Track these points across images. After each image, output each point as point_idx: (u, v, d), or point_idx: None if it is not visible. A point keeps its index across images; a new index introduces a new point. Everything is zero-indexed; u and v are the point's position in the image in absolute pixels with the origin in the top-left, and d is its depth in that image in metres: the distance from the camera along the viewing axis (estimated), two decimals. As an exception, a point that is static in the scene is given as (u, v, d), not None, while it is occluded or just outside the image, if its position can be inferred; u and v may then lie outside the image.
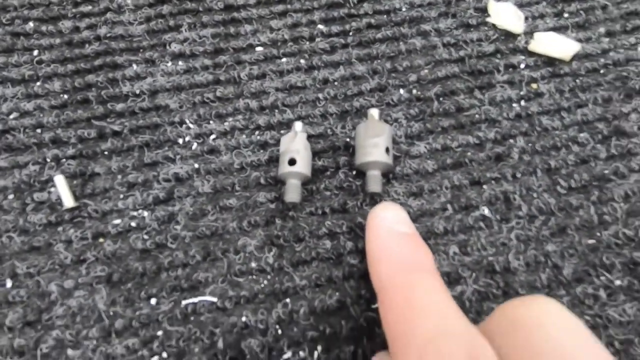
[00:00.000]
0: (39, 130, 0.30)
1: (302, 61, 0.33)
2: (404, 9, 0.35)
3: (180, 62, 0.33)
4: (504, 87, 0.32)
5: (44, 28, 0.34)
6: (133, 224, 0.27)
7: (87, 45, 0.33)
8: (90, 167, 0.29)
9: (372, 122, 0.28)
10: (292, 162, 0.26)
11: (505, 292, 0.25)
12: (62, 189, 0.27)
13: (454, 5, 0.36)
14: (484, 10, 0.35)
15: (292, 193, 0.26)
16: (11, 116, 0.30)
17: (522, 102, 0.32)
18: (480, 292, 0.25)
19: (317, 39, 0.34)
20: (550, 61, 0.33)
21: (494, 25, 0.35)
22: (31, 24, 0.34)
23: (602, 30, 0.35)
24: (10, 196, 0.28)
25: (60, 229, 0.27)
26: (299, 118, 0.31)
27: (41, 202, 0.27)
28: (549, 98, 0.32)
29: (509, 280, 0.26)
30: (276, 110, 0.31)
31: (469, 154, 0.30)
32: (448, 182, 0.28)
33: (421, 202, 0.28)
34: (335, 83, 0.32)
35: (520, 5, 0.36)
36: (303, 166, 0.26)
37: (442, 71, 0.32)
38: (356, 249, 0.26)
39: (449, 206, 0.28)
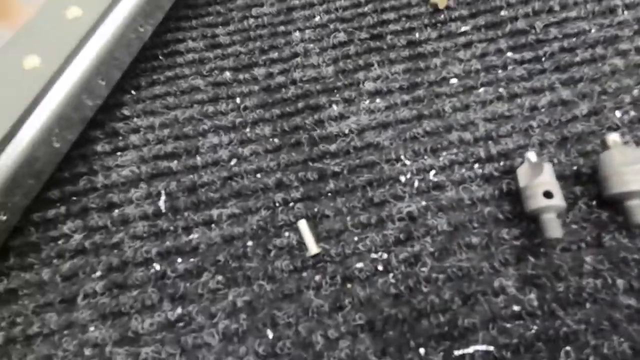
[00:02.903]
0: (259, 175, 0.30)
1: (501, 90, 0.32)
2: (593, 30, 0.34)
3: (378, 99, 0.33)
4: None
5: (240, 76, 0.35)
6: (378, 267, 0.26)
7: (284, 90, 0.34)
8: (318, 209, 0.28)
9: (619, 149, 0.26)
10: (548, 194, 0.25)
11: None
12: (307, 235, 0.27)
13: (645, 21, 0.34)
14: (681, 25, 0.34)
15: (555, 229, 0.24)
16: (232, 162, 0.31)
17: None
18: None
19: (510, 67, 0.33)
20: None
21: (697, 39, 0.33)
22: (227, 73, 0.35)
23: None
24: (250, 242, 0.28)
25: (305, 274, 0.26)
26: (518, 148, 0.29)
27: (281, 247, 0.27)
28: None
29: None
30: (490, 142, 0.30)
31: None
32: None
33: (687, 233, 0.25)
34: (543, 110, 0.31)
35: None
36: (560, 198, 0.25)
37: (656, 90, 0.31)
38: (630, 287, 0.24)
39: None
